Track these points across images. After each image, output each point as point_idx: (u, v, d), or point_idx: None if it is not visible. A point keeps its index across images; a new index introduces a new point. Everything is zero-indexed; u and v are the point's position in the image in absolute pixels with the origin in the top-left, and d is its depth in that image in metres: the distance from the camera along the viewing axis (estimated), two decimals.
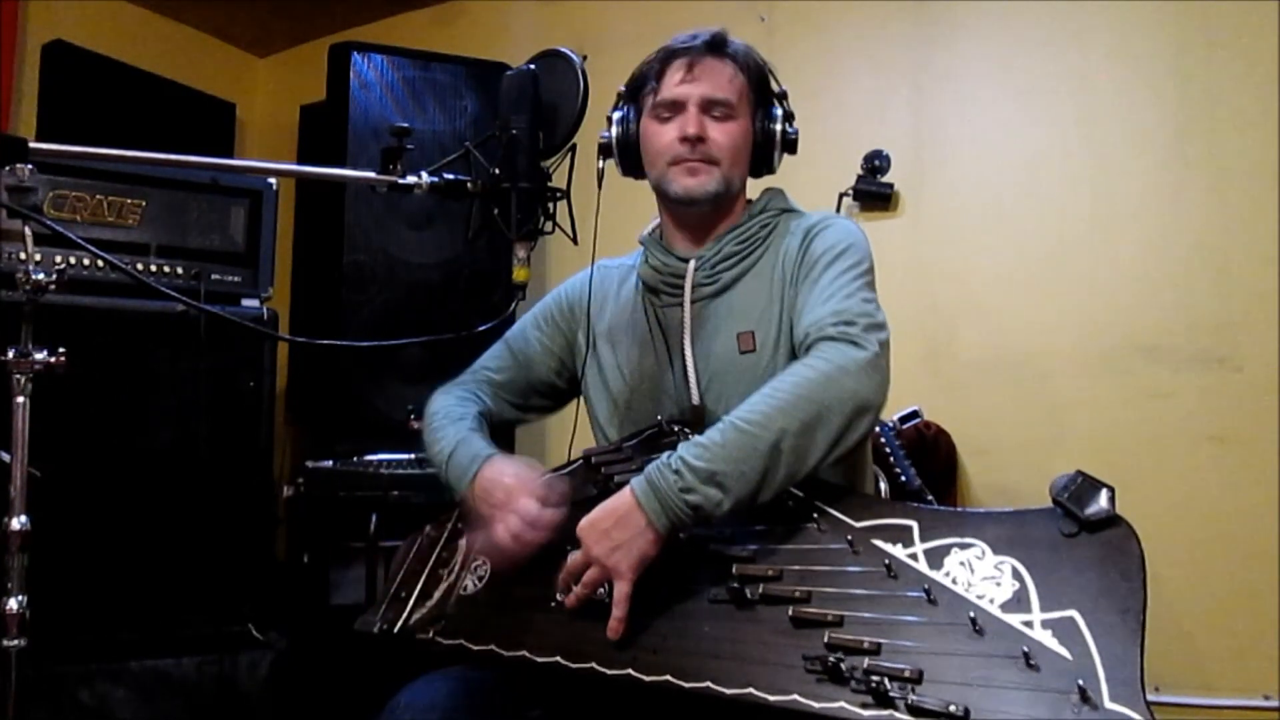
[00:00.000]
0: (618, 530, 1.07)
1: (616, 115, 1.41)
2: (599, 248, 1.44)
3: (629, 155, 1.40)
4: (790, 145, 1.40)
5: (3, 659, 1.32)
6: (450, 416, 1.40)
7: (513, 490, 1.22)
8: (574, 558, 1.11)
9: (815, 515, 1.08)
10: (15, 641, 1.33)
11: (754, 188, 1.45)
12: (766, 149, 1.38)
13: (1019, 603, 0.92)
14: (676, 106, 1.34)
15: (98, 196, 2.21)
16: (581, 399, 1.49)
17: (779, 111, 1.39)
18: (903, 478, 2.07)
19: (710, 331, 1.32)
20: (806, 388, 1.09)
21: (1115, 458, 2.21)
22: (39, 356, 1.38)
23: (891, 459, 2.09)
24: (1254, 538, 2.06)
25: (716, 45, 1.36)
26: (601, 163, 1.42)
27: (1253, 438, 2.10)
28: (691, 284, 1.34)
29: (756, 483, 1.06)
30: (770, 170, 1.42)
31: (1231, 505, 2.11)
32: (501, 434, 2.80)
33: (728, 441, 1.07)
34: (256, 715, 2.20)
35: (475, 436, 1.35)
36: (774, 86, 1.41)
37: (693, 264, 1.35)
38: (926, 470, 2.17)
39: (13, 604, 1.33)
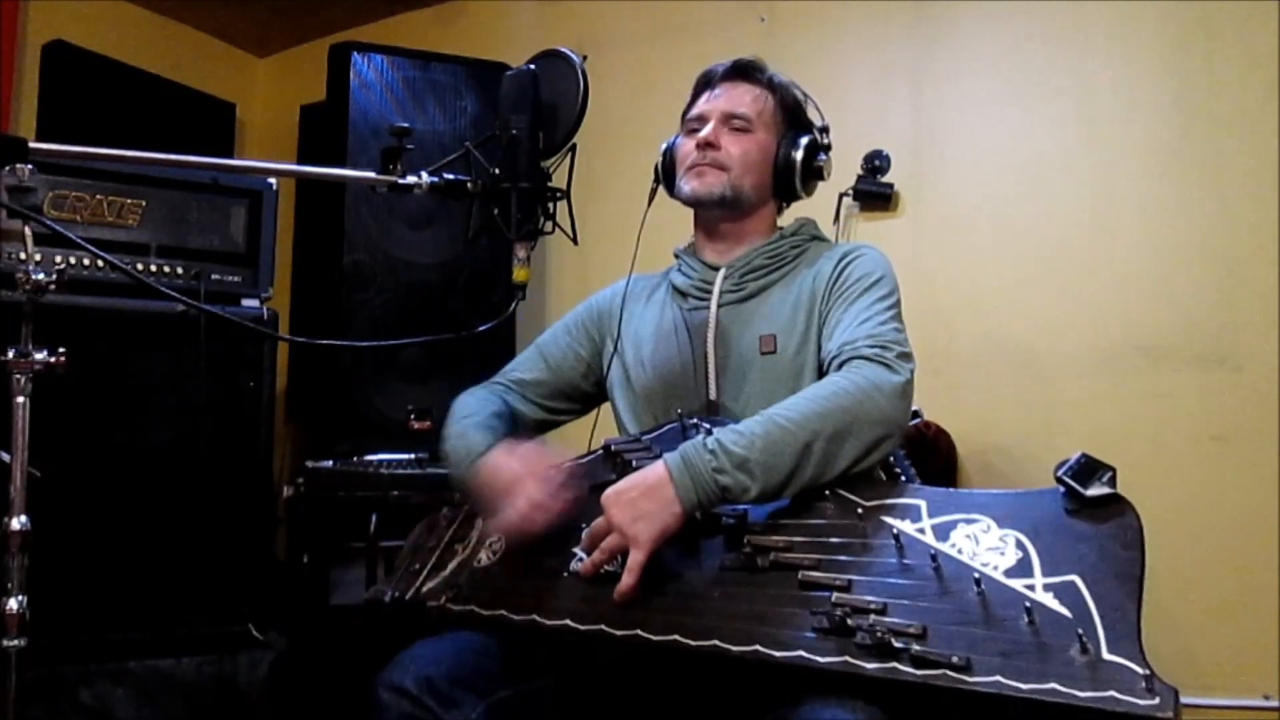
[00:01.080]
0: (644, 500, 1.10)
1: (665, 143, 1.52)
2: (621, 258, 1.50)
3: (669, 176, 1.49)
4: (816, 173, 1.45)
5: (3, 659, 1.32)
6: (462, 414, 1.42)
7: (518, 475, 1.23)
8: (596, 523, 1.13)
9: (826, 494, 1.12)
10: (15, 641, 1.33)
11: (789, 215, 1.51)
12: (787, 173, 1.43)
13: (1022, 569, 0.96)
14: (701, 120, 1.44)
15: (98, 196, 2.21)
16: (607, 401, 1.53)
17: (806, 139, 1.44)
18: (903, 477, 2.07)
19: (734, 334, 1.37)
20: (844, 398, 1.14)
21: (1115, 458, 2.18)
22: (39, 356, 1.38)
23: (891, 458, 2.09)
24: (1254, 538, 2.06)
25: (746, 69, 1.45)
26: (655, 184, 1.53)
27: (1253, 438, 2.10)
28: (719, 290, 1.41)
29: (784, 478, 1.10)
30: (794, 196, 1.47)
31: (1232, 505, 2.11)
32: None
33: (766, 433, 1.11)
34: (256, 715, 2.20)
35: (476, 431, 1.36)
36: (814, 119, 1.48)
37: (722, 271, 1.42)
38: (926, 470, 2.17)
39: (13, 604, 1.33)
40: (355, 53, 2.63)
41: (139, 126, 3.04)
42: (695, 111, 1.46)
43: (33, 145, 1.16)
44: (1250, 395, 2.11)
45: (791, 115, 1.46)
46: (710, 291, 1.41)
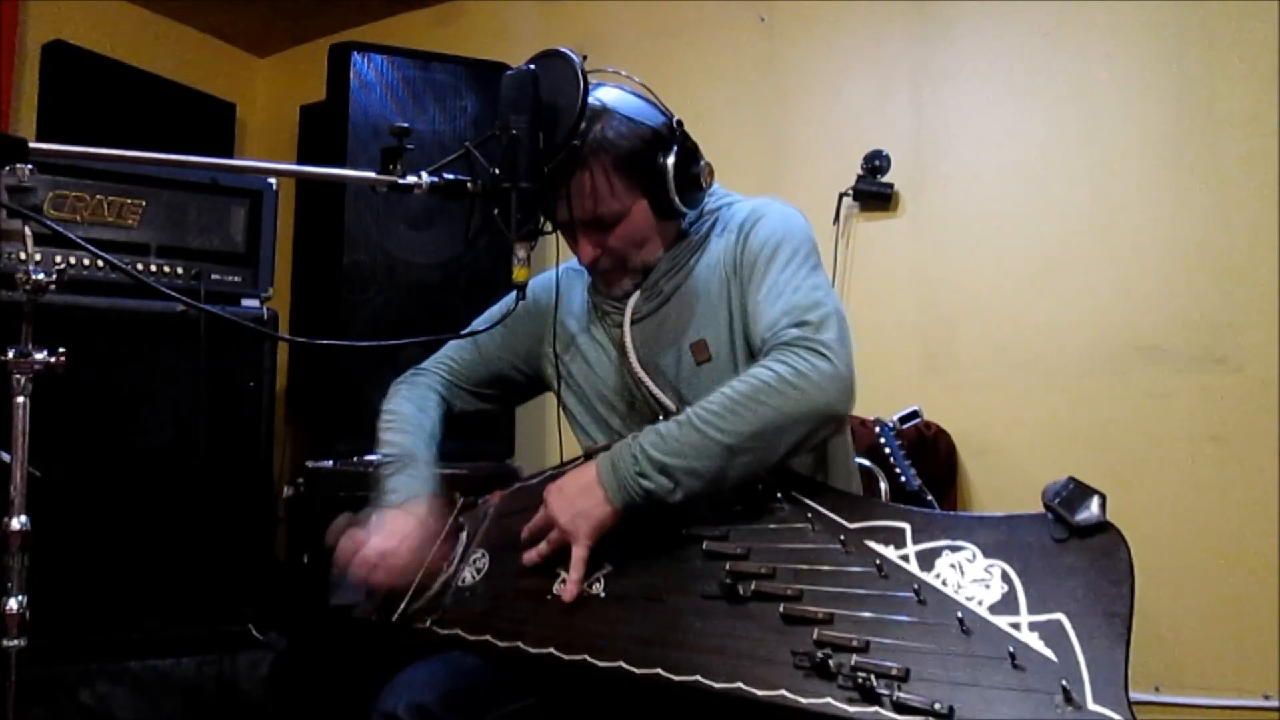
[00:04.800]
0: (579, 498, 1.14)
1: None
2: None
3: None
4: (694, 183, 1.30)
5: (3, 659, 1.31)
6: (408, 426, 1.43)
7: (388, 531, 1.27)
8: (537, 518, 1.17)
9: (809, 515, 1.10)
10: (15, 641, 1.32)
11: None
12: (669, 208, 1.30)
13: (1007, 605, 0.93)
14: (568, 228, 1.33)
15: (98, 196, 2.21)
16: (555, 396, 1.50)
17: (668, 169, 1.27)
18: (903, 478, 2.07)
19: (661, 345, 1.33)
20: (767, 394, 1.11)
21: (1115, 458, 2.21)
22: (39, 356, 1.37)
23: (891, 459, 2.09)
24: (1254, 538, 2.07)
25: (572, 157, 1.24)
26: (540, 227, 1.35)
27: (1253, 438, 2.10)
28: (631, 311, 1.35)
29: (709, 480, 1.10)
30: (690, 207, 1.33)
31: (1231, 505, 2.11)
32: (503, 425, 2.78)
33: (684, 437, 1.11)
34: (256, 715, 2.20)
35: (415, 474, 1.36)
36: (660, 115, 1.30)
37: (635, 297, 1.35)
38: (926, 470, 2.18)
39: (13, 604, 1.33)
40: (355, 53, 2.63)
41: (139, 126, 3.04)
42: (558, 217, 1.31)
43: (33, 145, 1.16)
44: (1250, 395, 2.11)
45: (637, 156, 1.27)
46: (623, 311, 1.35)
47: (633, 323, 1.34)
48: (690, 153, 1.30)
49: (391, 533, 1.26)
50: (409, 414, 1.45)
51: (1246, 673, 2.05)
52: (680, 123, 1.31)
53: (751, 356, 1.26)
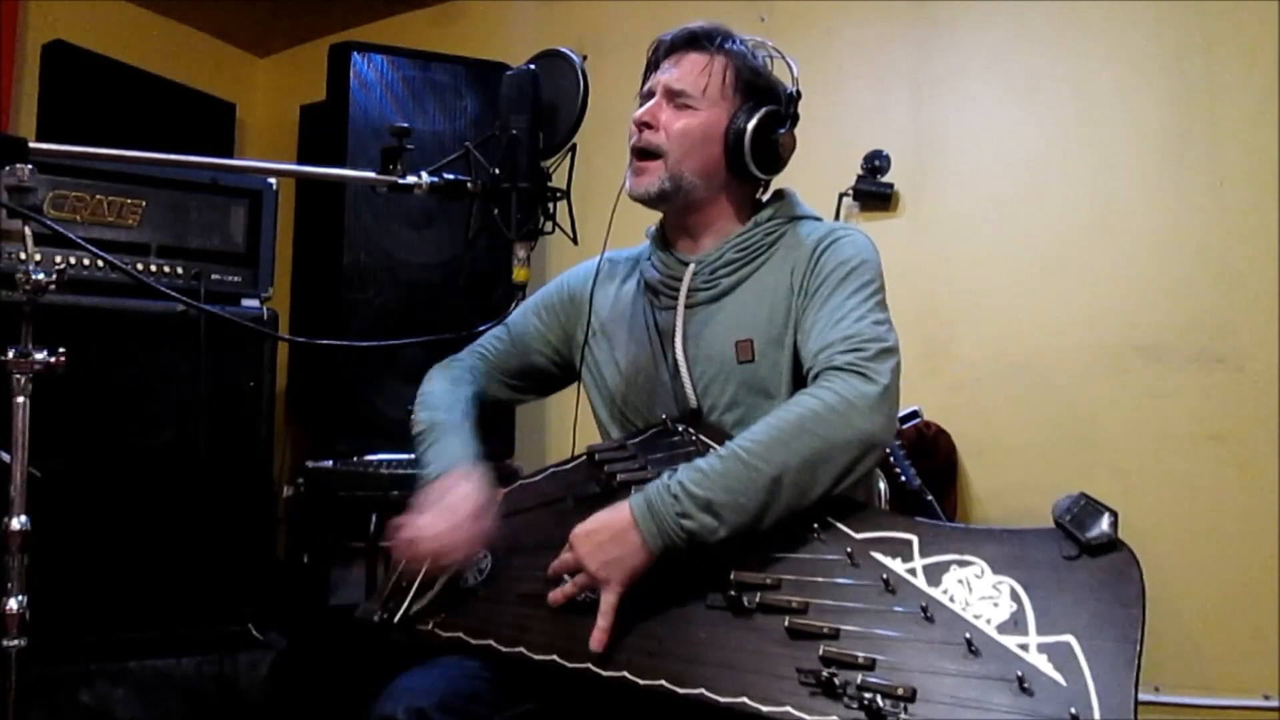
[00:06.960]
0: (612, 545, 1.08)
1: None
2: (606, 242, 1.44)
3: None
4: (770, 148, 1.32)
5: (3, 659, 1.32)
6: (440, 403, 1.42)
7: (445, 506, 1.23)
8: (565, 557, 1.13)
9: (815, 525, 1.08)
10: (15, 641, 1.33)
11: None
12: (737, 151, 1.31)
13: (1016, 624, 0.92)
14: (650, 95, 1.35)
15: (98, 196, 2.21)
16: (582, 391, 1.49)
17: (762, 112, 1.31)
18: (903, 478, 2.07)
19: (707, 337, 1.31)
20: (813, 422, 1.09)
21: (1115, 458, 2.21)
22: (39, 356, 1.38)
23: (891, 459, 2.09)
24: (1254, 538, 2.06)
25: (697, 38, 1.34)
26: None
27: (1253, 438, 2.10)
28: (688, 288, 1.33)
29: (755, 514, 1.07)
30: (750, 175, 1.34)
31: (1231, 505, 2.11)
32: (503, 425, 2.79)
33: (728, 471, 1.07)
34: (256, 715, 2.20)
35: (455, 439, 1.35)
36: (786, 87, 1.35)
37: (691, 268, 1.34)
38: (926, 470, 2.18)
39: (13, 604, 1.33)
40: (355, 53, 2.63)
41: (139, 126, 3.03)
42: (646, 85, 1.36)
43: (33, 145, 1.16)
44: (1250, 395, 2.11)
45: (751, 86, 1.32)
46: (678, 290, 1.33)
47: (686, 305, 1.32)
48: (786, 120, 1.33)
49: (437, 507, 1.24)
50: (439, 391, 1.44)
51: (1246, 673, 2.05)
52: (796, 96, 1.34)
53: (795, 370, 1.25)
